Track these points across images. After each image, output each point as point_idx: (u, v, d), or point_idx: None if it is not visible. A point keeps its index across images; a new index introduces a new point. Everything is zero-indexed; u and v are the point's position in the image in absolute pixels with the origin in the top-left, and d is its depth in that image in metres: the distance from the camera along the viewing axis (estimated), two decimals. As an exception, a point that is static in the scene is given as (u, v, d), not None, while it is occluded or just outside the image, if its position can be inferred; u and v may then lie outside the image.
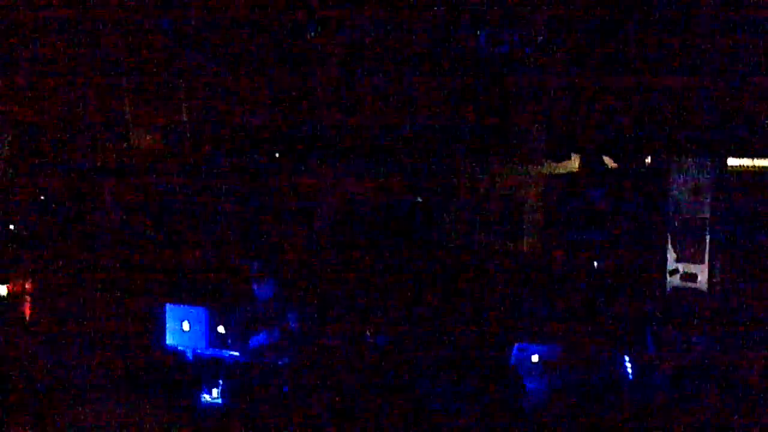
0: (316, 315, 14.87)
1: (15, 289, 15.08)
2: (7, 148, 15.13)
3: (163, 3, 13.66)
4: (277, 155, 15.80)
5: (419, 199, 16.56)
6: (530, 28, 13.65)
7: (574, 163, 15.86)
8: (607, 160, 15.86)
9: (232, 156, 15.76)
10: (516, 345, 14.59)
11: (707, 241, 15.37)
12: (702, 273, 15.06)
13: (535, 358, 14.41)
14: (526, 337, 14.74)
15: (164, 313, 14.34)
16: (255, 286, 14.72)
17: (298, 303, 14.77)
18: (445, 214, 16.80)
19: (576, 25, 13.72)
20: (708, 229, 15.44)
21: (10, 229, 14.75)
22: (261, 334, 14.32)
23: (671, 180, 15.54)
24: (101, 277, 15.10)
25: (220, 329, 14.50)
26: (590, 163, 15.81)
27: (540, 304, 15.75)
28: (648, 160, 15.68)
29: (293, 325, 14.59)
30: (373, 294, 16.31)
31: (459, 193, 16.94)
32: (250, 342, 14.11)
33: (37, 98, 14.59)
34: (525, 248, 16.72)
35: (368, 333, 15.38)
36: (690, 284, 14.98)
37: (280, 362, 13.83)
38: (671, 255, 15.35)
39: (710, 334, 14.07)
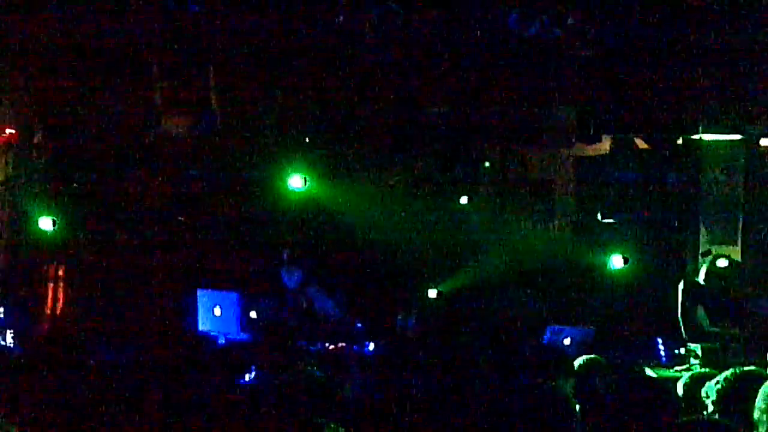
0: (346, 301, 14.88)
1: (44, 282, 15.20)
2: (38, 136, 15.19)
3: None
4: (307, 139, 15.81)
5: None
6: (560, 9, 13.56)
7: (604, 144, 15.79)
8: (638, 141, 15.79)
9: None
10: (548, 328, 14.56)
11: (740, 221, 15.30)
12: (735, 254, 14.97)
13: (567, 341, 14.38)
14: (559, 319, 14.73)
15: (196, 298, 14.40)
16: (284, 274, 14.74)
17: (329, 290, 14.78)
18: (473, 199, 16.77)
19: (606, 5, 13.64)
20: (741, 209, 15.37)
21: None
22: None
23: (703, 160, 15.48)
24: (132, 264, 15.15)
25: (252, 314, 14.53)
26: (621, 144, 15.74)
27: (572, 286, 15.74)
28: (680, 140, 15.59)
29: (327, 312, 14.61)
30: (402, 278, 16.32)
31: (488, 177, 16.93)
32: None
33: (66, 86, 14.62)
34: (556, 231, 16.70)
35: (399, 318, 15.41)
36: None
37: (312, 348, 13.84)
38: (703, 236, 15.29)
39: (743, 315, 14.00)
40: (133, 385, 13.00)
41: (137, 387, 12.93)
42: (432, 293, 16.10)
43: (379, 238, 16.00)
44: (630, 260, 15.38)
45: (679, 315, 13.92)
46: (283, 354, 13.52)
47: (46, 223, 14.61)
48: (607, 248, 15.59)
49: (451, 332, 15.28)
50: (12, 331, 13.44)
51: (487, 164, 16.78)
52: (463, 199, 16.65)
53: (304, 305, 14.54)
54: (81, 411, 12.02)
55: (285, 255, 14.85)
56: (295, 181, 15.43)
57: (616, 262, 15.33)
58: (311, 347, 13.90)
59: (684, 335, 13.73)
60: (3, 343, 13.54)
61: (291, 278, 14.68)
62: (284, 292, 14.72)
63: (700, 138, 15.04)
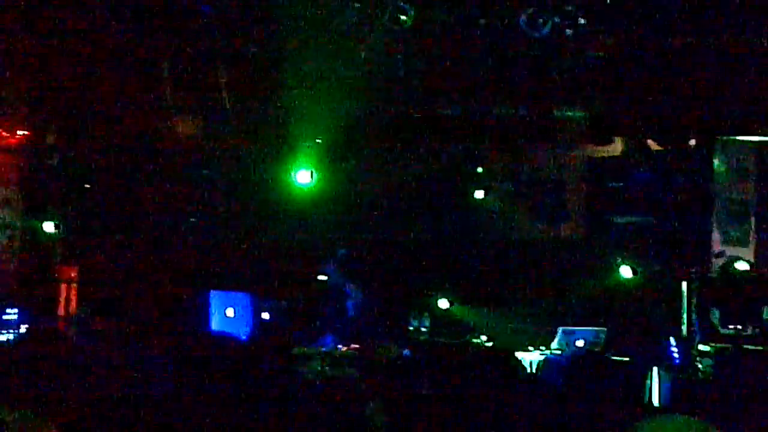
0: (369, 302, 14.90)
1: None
2: (51, 137, 15.19)
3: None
4: (318, 140, 15.79)
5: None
6: (571, 10, 13.53)
7: (616, 146, 15.77)
8: (650, 142, 15.76)
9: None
10: (560, 329, 14.57)
11: (752, 222, 15.27)
12: (747, 255, 14.95)
13: (580, 342, 14.39)
14: (572, 321, 14.74)
15: (209, 299, 14.43)
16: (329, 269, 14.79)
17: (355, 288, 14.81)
18: (486, 200, 16.75)
19: (617, 6, 13.61)
20: (753, 210, 15.34)
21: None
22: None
23: (715, 162, 15.45)
24: (145, 265, 15.15)
25: (264, 315, 14.57)
26: (633, 145, 15.72)
27: (585, 288, 15.72)
28: (692, 141, 15.57)
29: (351, 312, 14.65)
30: (414, 282, 16.31)
31: (500, 178, 16.90)
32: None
33: (79, 87, 14.63)
34: (568, 232, 16.67)
35: (412, 318, 15.43)
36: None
37: (324, 349, 13.89)
38: (716, 237, 15.27)
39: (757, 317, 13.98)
40: (146, 385, 13.04)
41: (150, 387, 12.98)
42: (443, 303, 16.11)
43: (389, 236, 16.02)
44: (641, 261, 15.37)
45: (693, 316, 13.91)
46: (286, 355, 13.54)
47: (58, 225, 14.63)
48: (618, 249, 15.58)
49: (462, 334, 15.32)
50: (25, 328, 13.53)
51: (480, 169, 16.73)
52: (479, 193, 16.52)
53: (339, 301, 14.60)
54: (90, 412, 12.07)
55: (339, 252, 14.92)
56: (302, 176, 15.38)
57: (624, 272, 15.34)
58: (324, 348, 13.94)
59: (695, 336, 13.72)
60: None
61: (334, 273, 14.78)
62: (324, 288, 14.78)
63: (713, 139, 15.02)
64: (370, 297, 15.08)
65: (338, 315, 14.61)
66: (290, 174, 15.50)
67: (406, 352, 14.02)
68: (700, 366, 13.07)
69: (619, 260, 15.49)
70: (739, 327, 13.69)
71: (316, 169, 15.45)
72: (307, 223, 16.03)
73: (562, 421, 6.85)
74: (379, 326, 14.56)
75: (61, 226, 14.72)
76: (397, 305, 15.62)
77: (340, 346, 14.12)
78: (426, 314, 15.61)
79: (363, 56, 14.36)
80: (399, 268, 16.14)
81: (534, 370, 13.57)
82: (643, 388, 12.92)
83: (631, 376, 12.96)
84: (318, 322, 14.67)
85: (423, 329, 15.42)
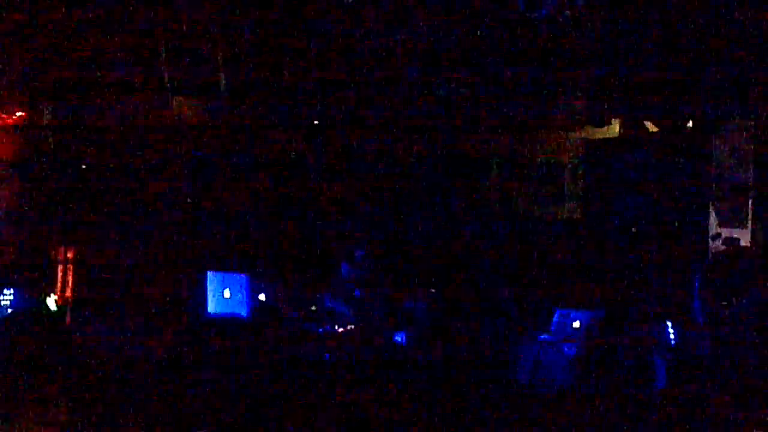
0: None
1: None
2: (48, 117, 15.20)
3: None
4: (316, 122, 15.79)
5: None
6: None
7: (614, 127, 15.76)
8: (648, 124, 15.76)
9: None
10: (557, 310, 14.57)
11: (750, 205, 15.26)
12: (744, 237, 14.95)
13: (576, 323, 14.39)
14: (568, 302, 14.72)
15: (206, 280, 14.43)
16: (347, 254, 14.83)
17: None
18: (484, 182, 16.76)
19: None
20: (751, 192, 15.33)
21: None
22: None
23: (713, 143, 15.43)
24: (142, 246, 15.17)
25: (261, 297, 14.56)
26: (631, 127, 15.71)
27: (582, 269, 15.71)
28: (689, 123, 15.56)
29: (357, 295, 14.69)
30: (413, 262, 16.32)
31: (498, 160, 16.90)
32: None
33: (76, 67, 14.64)
34: (566, 214, 16.67)
35: (413, 301, 15.43)
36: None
37: (320, 330, 13.93)
38: (713, 219, 15.26)
39: (753, 299, 13.98)
40: (142, 367, 13.07)
41: (146, 369, 13.01)
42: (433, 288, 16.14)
43: (389, 219, 16.04)
44: (640, 243, 15.36)
45: (690, 297, 13.91)
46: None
47: (55, 206, 14.63)
48: (616, 231, 15.58)
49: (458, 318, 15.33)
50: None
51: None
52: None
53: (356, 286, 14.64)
54: (89, 395, 12.10)
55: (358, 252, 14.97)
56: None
57: (622, 253, 15.28)
58: (320, 329, 13.97)
59: (693, 317, 13.73)
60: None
61: (352, 260, 14.80)
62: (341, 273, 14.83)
63: (710, 121, 15.00)
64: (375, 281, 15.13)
65: (343, 298, 14.64)
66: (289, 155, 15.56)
67: (397, 336, 14.10)
68: (696, 347, 13.07)
69: (619, 242, 15.48)
70: (735, 307, 13.69)
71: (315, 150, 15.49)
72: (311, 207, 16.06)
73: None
74: (379, 308, 14.59)
75: (58, 207, 14.72)
76: (395, 287, 15.64)
77: (338, 327, 14.15)
78: (422, 295, 15.62)
79: (360, 41, 14.38)
80: (399, 251, 16.17)
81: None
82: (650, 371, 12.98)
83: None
84: (317, 305, 14.70)
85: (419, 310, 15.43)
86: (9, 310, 13.65)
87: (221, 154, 15.86)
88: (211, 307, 14.37)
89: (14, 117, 15.06)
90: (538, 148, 16.80)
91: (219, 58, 15.00)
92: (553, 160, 16.81)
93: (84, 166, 15.20)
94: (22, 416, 11.09)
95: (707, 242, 15.00)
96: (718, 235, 14.81)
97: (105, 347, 13.67)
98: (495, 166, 16.79)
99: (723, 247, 14.59)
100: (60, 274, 15.21)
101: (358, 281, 14.69)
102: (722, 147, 15.31)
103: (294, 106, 15.60)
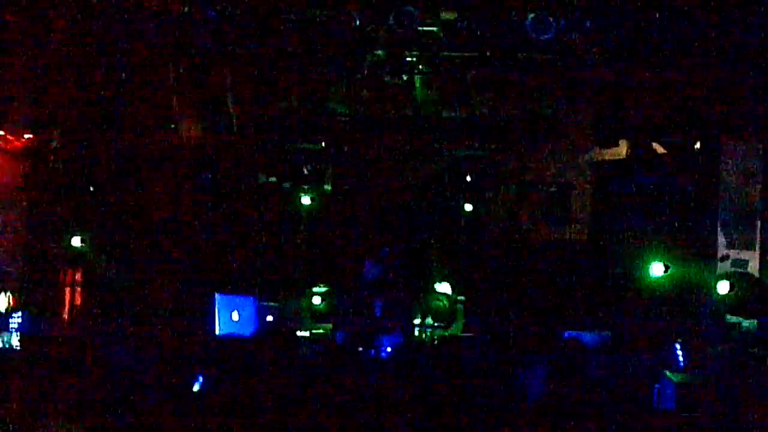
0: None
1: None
2: (55, 141, 15.22)
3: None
4: (323, 144, 15.83)
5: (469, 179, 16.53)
6: (577, 13, 13.55)
7: (622, 149, 15.75)
8: (655, 145, 15.75)
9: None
10: (565, 333, 14.55)
11: (758, 226, 15.24)
12: (753, 259, 14.93)
13: (584, 346, 14.36)
14: (575, 324, 14.71)
15: (214, 302, 14.46)
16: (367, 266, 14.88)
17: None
18: (492, 202, 16.75)
19: (623, 10, 13.61)
20: (759, 214, 15.31)
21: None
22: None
23: (721, 165, 15.41)
24: (149, 268, 15.17)
25: (269, 319, 14.59)
26: (639, 148, 15.71)
27: (589, 291, 15.69)
28: (697, 145, 15.55)
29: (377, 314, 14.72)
30: (420, 283, 16.31)
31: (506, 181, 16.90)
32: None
33: (83, 91, 14.68)
34: (573, 235, 16.64)
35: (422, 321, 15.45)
36: (740, 270, 14.86)
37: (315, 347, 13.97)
38: (721, 241, 15.23)
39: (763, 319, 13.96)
40: (151, 386, 13.07)
41: (155, 388, 13.00)
42: (444, 287, 16.09)
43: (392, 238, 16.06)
44: (647, 264, 15.34)
45: (699, 319, 13.92)
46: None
47: (63, 229, 14.66)
48: (623, 253, 15.56)
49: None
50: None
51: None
52: (468, 207, 16.66)
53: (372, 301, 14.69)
54: (100, 413, 12.10)
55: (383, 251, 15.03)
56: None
57: (656, 269, 15.10)
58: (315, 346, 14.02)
59: (701, 338, 13.73)
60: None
61: (371, 272, 14.86)
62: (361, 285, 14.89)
63: (718, 142, 14.99)
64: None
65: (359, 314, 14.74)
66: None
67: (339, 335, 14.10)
68: (704, 369, 13.05)
69: (625, 262, 15.46)
70: (745, 328, 13.69)
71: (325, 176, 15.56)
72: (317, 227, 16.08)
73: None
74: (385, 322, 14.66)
75: (66, 230, 14.73)
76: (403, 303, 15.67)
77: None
78: (429, 311, 15.66)
79: (367, 60, 14.41)
80: (407, 270, 16.19)
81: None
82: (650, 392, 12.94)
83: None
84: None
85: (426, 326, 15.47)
86: (18, 333, 13.67)
87: (228, 177, 15.88)
88: (220, 329, 14.40)
89: (22, 140, 15.09)
90: (546, 169, 16.79)
91: (226, 81, 15.04)
92: (560, 181, 16.80)
93: (91, 189, 15.21)
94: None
95: (716, 264, 14.98)
96: (727, 256, 14.79)
97: (113, 368, 13.66)
98: (503, 188, 16.80)
99: (732, 269, 14.59)
100: (67, 297, 15.23)
101: (379, 280, 14.75)
102: (730, 168, 15.30)
103: (302, 128, 15.64)
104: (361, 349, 14.01)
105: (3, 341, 13.76)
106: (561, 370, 13.00)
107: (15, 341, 13.83)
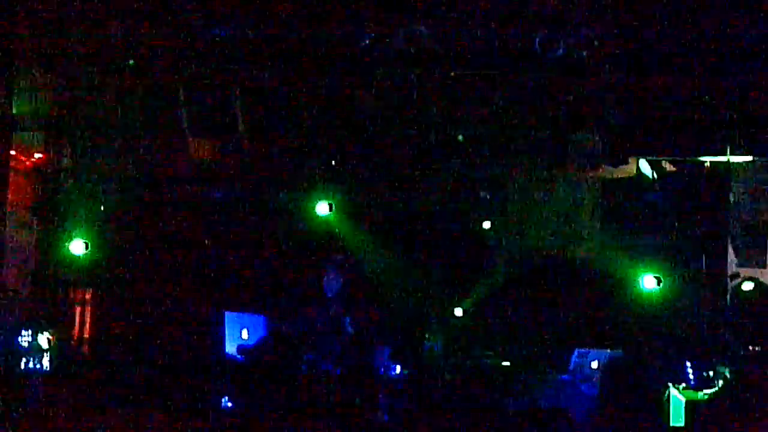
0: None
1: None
2: (66, 160, 15.27)
3: (218, 14, 13.76)
4: (333, 162, 15.85)
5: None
6: (585, 31, 13.57)
7: (631, 167, 15.75)
8: (665, 163, 15.75)
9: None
10: (576, 350, 14.55)
11: (768, 244, 15.24)
12: (763, 277, 14.90)
13: (594, 364, 14.35)
14: (586, 342, 14.69)
15: (224, 321, 14.46)
16: (325, 282, 14.83)
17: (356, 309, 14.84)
18: (499, 220, 16.75)
19: (632, 28, 13.63)
20: (769, 231, 15.30)
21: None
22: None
23: (731, 183, 15.40)
24: (160, 287, 15.18)
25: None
26: (648, 166, 15.71)
27: (599, 309, 15.67)
28: (707, 163, 15.54)
29: (349, 331, 14.65)
30: (426, 299, 16.31)
31: (514, 199, 16.89)
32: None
33: (94, 110, 14.74)
34: (582, 254, 16.62)
35: (427, 337, 15.42)
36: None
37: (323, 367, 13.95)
38: (732, 259, 15.21)
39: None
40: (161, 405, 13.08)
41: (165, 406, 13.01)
42: (458, 311, 16.09)
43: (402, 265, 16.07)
44: (657, 282, 15.31)
45: (709, 337, 13.88)
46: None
47: (74, 247, 14.66)
48: (633, 271, 15.52)
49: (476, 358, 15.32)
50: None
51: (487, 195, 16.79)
52: (486, 224, 16.66)
53: (334, 315, 14.62)
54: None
55: (328, 264, 14.96)
56: (322, 208, 15.52)
57: (647, 282, 15.10)
58: (322, 365, 13.98)
59: (711, 357, 13.68)
60: (31, 366, 13.63)
61: (330, 286, 14.80)
62: (321, 301, 14.81)
63: (728, 160, 14.98)
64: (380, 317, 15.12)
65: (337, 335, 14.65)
66: (306, 198, 15.61)
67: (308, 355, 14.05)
68: (714, 388, 13.02)
69: (636, 275, 15.44)
70: (755, 348, 13.64)
71: (332, 199, 15.54)
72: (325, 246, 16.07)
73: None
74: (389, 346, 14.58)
75: (78, 249, 14.74)
76: (411, 325, 15.63)
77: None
78: (439, 335, 15.61)
79: (377, 79, 14.46)
80: (414, 287, 16.16)
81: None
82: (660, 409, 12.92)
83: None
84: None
85: (436, 350, 15.42)
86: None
87: (239, 195, 15.90)
88: (229, 348, 14.41)
89: (33, 159, 15.14)
90: (555, 187, 16.78)
91: (236, 98, 15.08)
92: (570, 199, 16.79)
93: (102, 208, 15.24)
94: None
95: (726, 282, 14.96)
96: (737, 274, 14.77)
97: (124, 385, 13.68)
98: (511, 205, 16.79)
99: (744, 288, 14.56)
100: (78, 316, 15.25)
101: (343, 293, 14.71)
102: (740, 186, 15.29)
103: (312, 145, 15.66)
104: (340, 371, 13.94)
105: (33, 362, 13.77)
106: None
107: (45, 363, 13.85)
